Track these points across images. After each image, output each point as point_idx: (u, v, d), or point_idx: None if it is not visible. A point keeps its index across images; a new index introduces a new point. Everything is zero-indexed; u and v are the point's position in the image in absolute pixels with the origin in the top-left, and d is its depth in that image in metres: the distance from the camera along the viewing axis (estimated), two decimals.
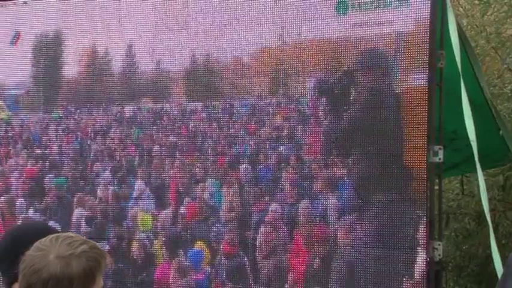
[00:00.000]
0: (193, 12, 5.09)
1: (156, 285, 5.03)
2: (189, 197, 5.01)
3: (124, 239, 5.19)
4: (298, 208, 4.61)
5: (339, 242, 4.47)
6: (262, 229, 4.72)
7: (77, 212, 5.39)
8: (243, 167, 4.86)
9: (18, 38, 5.76)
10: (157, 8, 5.21)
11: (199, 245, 4.93)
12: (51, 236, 2.22)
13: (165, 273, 5.00)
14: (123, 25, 5.33)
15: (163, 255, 5.03)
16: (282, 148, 4.73)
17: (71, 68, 5.56)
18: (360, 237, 4.41)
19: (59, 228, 5.17)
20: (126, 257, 5.16)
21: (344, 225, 4.46)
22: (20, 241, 2.34)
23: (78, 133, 5.51)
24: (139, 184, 5.21)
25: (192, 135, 5.08)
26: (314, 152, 4.63)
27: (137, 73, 5.32)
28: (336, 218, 4.50)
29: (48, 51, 5.66)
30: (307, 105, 4.70)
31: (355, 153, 4.47)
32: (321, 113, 4.63)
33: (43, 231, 2.46)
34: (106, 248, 5.10)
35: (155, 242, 5.07)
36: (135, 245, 5.14)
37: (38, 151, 5.64)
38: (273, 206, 4.71)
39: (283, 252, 4.64)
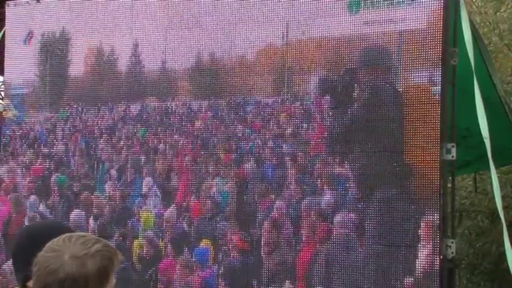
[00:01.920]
0: (199, 11, 5.10)
1: (162, 283, 5.03)
2: (195, 195, 5.02)
3: (129, 238, 5.20)
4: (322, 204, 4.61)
5: (352, 239, 4.47)
6: (267, 226, 4.72)
7: (81, 210, 5.41)
8: (249, 164, 4.86)
9: (31, 37, 5.76)
10: (164, 7, 5.22)
11: (205, 243, 4.94)
12: (63, 236, 2.21)
13: (172, 271, 5.00)
14: (131, 24, 5.33)
15: (169, 252, 5.03)
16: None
17: (80, 66, 5.57)
18: (371, 235, 4.40)
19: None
20: (131, 255, 5.17)
21: (357, 223, 4.46)
22: (35, 240, 2.34)
23: (85, 132, 5.52)
24: (146, 182, 5.22)
25: (198, 133, 5.08)
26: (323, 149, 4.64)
27: (144, 72, 5.33)
28: (348, 215, 4.50)
29: (56, 50, 5.67)
30: (312, 102, 4.71)
31: (369, 151, 4.46)
32: (327, 111, 4.65)
33: (58, 230, 2.44)
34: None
35: (161, 240, 5.08)
36: (141, 243, 5.15)
37: (45, 150, 5.65)
38: (278, 204, 4.71)
39: (295, 248, 4.65)
